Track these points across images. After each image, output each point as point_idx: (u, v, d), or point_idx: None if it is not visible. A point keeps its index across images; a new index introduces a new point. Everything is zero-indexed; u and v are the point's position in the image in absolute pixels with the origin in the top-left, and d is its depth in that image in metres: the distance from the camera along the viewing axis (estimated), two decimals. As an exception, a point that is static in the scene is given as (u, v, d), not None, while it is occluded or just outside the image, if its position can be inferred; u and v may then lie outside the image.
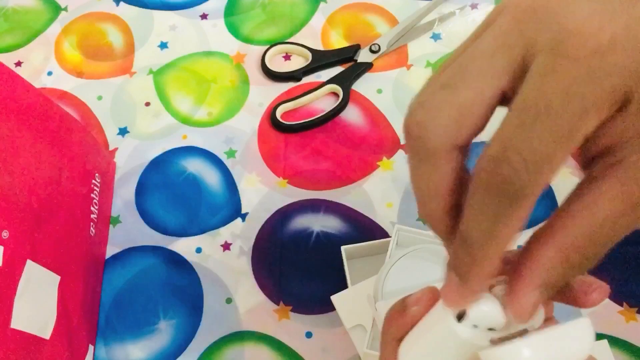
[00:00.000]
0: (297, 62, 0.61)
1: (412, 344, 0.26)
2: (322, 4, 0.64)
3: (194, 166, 0.55)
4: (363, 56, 0.60)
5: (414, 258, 0.42)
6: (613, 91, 0.18)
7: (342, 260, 0.46)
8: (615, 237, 0.21)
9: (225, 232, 0.52)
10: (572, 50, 0.18)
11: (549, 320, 0.26)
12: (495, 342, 0.23)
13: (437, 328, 0.24)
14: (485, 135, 0.22)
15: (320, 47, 0.61)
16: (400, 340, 0.27)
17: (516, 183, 0.19)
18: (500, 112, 0.21)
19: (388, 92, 0.58)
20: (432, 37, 0.61)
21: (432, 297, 0.26)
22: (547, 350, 0.21)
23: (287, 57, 0.61)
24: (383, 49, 0.60)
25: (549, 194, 0.51)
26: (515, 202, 0.19)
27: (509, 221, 0.20)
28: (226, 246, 0.51)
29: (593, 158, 0.21)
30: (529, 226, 0.47)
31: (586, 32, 0.18)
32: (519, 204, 0.19)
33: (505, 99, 0.21)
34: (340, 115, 0.57)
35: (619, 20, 0.18)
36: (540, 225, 0.23)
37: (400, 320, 0.27)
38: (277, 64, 0.61)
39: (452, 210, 0.23)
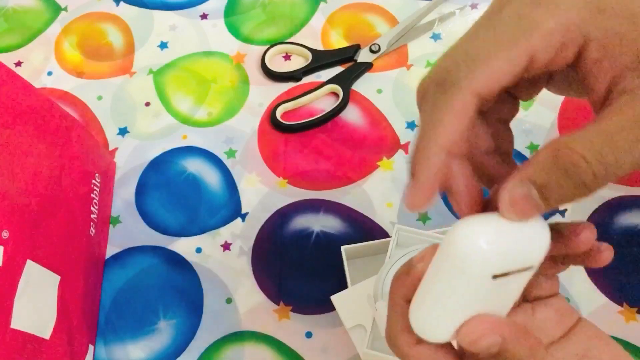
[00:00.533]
0: (297, 62, 0.61)
1: (422, 299, 0.25)
2: (322, 4, 0.64)
3: (194, 166, 0.55)
4: (363, 56, 0.60)
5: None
6: None
7: (342, 260, 0.46)
8: (608, 152, 0.21)
9: (225, 232, 0.52)
10: None
11: (554, 297, 0.28)
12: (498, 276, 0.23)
13: (443, 273, 0.24)
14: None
15: (320, 47, 0.61)
16: (409, 301, 0.26)
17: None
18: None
19: (388, 92, 0.58)
20: (432, 37, 0.61)
21: (435, 252, 0.25)
22: (506, 241, 0.23)
23: (287, 57, 0.61)
24: (383, 49, 0.60)
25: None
26: None
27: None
28: (226, 246, 0.51)
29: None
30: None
31: None
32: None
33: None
34: (340, 115, 0.57)
35: None
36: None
37: (408, 280, 0.26)
38: (277, 64, 0.61)
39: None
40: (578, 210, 0.50)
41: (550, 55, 0.22)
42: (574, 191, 0.22)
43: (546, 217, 0.47)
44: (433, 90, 0.24)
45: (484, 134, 0.26)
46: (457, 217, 0.44)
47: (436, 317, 0.25)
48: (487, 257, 0.22)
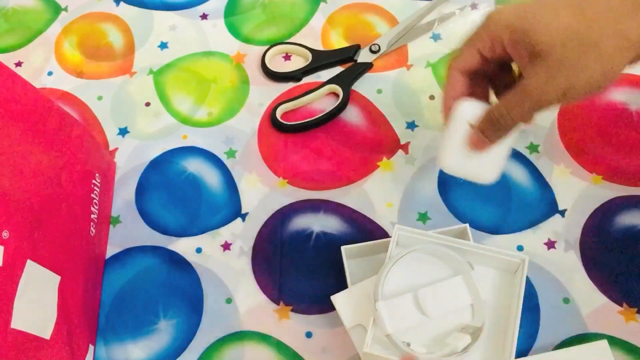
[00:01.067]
0: (297, 62, 0.61)
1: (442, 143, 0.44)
2: (322, 4, 0.64)
3: (194, 166, 0.55)
4: (363, 56, 0.60)
5: (413, 258, 0.42)
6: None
7: (342, 260, 0.46)
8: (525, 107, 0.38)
9: (225, 232, 0.52)
10: None
11: None
12: None
13: (450, 121, 0.44)
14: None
15: (320, 47, 0.61)
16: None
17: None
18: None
19: (388, 92, 0.58)
20: (432, 37, 0.61)
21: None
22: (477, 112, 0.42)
23: (287, 57, 0.61)
24: (383, 49, 0.60)
25: (549, 195, 0.51)
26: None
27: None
28: (226, 246, 0.51)
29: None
30: (529, 226, 0.48)
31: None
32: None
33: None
34: (340, 115, 0.57)
35: None
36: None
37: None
38: (277, 64, 0.61)
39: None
40: (578, 211, 0.50)
41: (487, 49, 0.40)
42: (497, 132, 0.40)
43: (547, 217, 0.47)
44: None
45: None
46: (455, 215, 0.46)
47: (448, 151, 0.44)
48: (467, 110, 0.42)
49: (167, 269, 0.51)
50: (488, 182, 0.44)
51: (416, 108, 0.57)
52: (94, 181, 0.50)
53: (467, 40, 0.41)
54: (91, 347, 0.47)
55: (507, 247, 0.49)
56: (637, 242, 0.49)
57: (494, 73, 0.43)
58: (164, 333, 0.48)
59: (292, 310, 0.48)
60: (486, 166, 0.43)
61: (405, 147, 0.55)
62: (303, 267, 0.50)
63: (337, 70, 0.60)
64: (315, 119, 0.56)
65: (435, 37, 0.61)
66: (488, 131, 0.40)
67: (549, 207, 0.51)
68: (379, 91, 0.58)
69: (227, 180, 0.54)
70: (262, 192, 0.54)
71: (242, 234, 0.52)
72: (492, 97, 0.45)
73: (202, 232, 0.52)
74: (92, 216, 0.49)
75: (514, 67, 0.43)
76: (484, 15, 0.39)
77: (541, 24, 0.36)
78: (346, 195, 0.53)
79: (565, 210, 0.51)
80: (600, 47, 0.34)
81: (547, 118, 0.55)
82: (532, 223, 0.50)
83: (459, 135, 0.43)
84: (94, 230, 0.49)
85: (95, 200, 0.50)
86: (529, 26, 0.36)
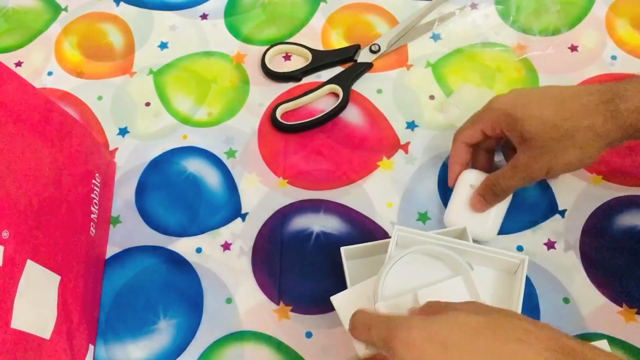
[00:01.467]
0: (297, 62, 0.61)
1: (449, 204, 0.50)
2: (322, 4, 0.64)
3: (194, 166, 0.55)
4: (363, 56, 0.60)
5: (412, 259, 0.42)
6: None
7: (342, 260, 0.46)
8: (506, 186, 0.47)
9: (225, 232, 0.52)
10: None
11: None
12: None
13: (457, 186, 0.51)
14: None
15: (320, 47, 0.61)
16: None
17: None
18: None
19: (388, 92, 0.58)
20: (432, 37, 0.61)
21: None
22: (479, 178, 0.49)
23: (287, 57, 0.61)
24: (383, 49, 0.60)
25: (549, 195, 0.51)
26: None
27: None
28: (226, 246, 0.51)
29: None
30: (529, 226, 0.48)
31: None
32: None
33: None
34: (340, 115, 0.57)
35: None
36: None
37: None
38: (277, 64, 0.61)
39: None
40: (578, 211, 0.50)
41: (493, 131, 0.48)
42: (494, 197, 0.48)
43: (547, 217, 0.47)
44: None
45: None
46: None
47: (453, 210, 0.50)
48: (470, 177, 0.50)
49: (167, 269, 0.51)
50: (487, 240, 0.49)
51: (416, 108, 0.57)
52: (94, 181, 0.50)
53: (473, 119, 0.49)
54: (91, 347, 0.47)
55: (507, 247, 0.49)
56: (637, 242, 0.49)
57: (498, 143, 0.51)
58: (164, 333, 0.48)
59: (292, 310, 0.48)
60: (486, 225, 0.49)
61: (405, 147, 0.55)
62: (303, 267, 0.50)
63: (337, 70, 0.60)
64: (315, 119, 0.56)
65: (435, 37, 0.61)
66: (486, 195, 0.48)
67: (549, 207, 0.51)
68: (379, 91, 0.58)
69: (227, 180, 0.54)
70: (262, 192, 0.54)
71: (242, 234, 0.52)
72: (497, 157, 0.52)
73: (202, 232, 0.52)
74: (92, 216, 0.49)
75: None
76: (489, 101, 0.48)
77: (529, 116, 0.44)
78: (346, 195, 0.53)
79: (565, 210, 0.51)
80: (574, 138, 0.43)
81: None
82: (532, 223, 0.50)
83: (462, 197, 0.50)
84: (94, 230, 0.49)
85: (95, 200, 0.50)
86: (520, 116, 0.44)
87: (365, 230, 0.51)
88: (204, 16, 0.64)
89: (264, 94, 0.59)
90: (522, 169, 0.45)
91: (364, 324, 0.36)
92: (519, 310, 0.41)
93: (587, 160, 0.43)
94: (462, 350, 0.31)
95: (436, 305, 0.37)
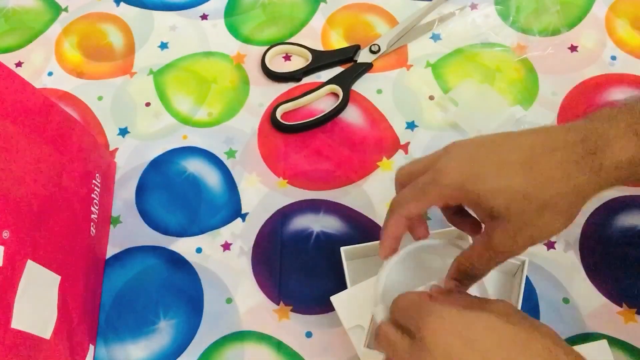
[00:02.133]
0: (297, 63, 0.61)
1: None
2: (322, 5, 0.64)
3: (194, 166, 0.55)
4: (363, 56, 0.60)
5: (410, 257, 0.42)
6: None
7: (342, 260, 0.46)
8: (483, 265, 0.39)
9: (225, 232, 0.52)
10: None
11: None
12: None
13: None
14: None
15: (320, 48, 0.61)
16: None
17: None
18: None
19: (388, 93, 0.58)
20: (431, 38, 0.61)
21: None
22: None
23: (287, 57, 0.61)
24: (383, 49, 0.60)
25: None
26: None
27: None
28: (226, 246, 0.51)
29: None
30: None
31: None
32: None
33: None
34: (340, 115, 0.57)
35: None
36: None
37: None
38: (277, 65, 0.61)
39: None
40: (578, 211, 0.50)
41: (444, 203, 0.38)
42: (471, 280, 0.40)
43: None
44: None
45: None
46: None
47: None
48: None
49: (167, 269, 0.51)
50: None
51: (416, 108, 0.57)
52: (94, 181, 0.50)
53: (416, 192, 0.39)
54: (91, 347, 0.47)
55: (507, 247, 0.49)
56: (637, 242, 0.49)
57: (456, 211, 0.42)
58: (164, 333, 0.48)
59: (292, 310, 0.48)
60: None
61: (405, 147, 0.55)
62: (303, 267, 0.50)
63: (337, 70, 0.60)
64: (315, 119, 0.56)
65: (435, 37, 0.61)
66: (463, 281, 0.40)
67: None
68: (379, 91, 0.58)
69: (227, 180, 0.55)
70: (262, 192, 0.54)
71: (242, 234, 0.52)
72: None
73: (202, 232, 0.52)
74: (93, 216, 0.49)
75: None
76: (430, 175, 0.38)
77: (492, 188, 0.35)
78: (346, 195, 0.53)
79: (565, 210, 0.51)
80: (557, 206, 0.35)
81: (547, 118, 0.55)
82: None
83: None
84: (94, 230, 0.49)
85: (95, 200, 0.50)
86: (481, 191, 0.36)
87: (365, 230, 0.51)
88: (204, 16, 0.64)
89: (264, 94, 0.59)
90: (500, 249, 0.37)
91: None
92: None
93: (571, 221, 0.37)
94: (484, 356, 0.31)
95: (467, 298, 0.37)
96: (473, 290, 0.41)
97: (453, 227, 0.47)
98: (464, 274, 0.39)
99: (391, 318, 0.37)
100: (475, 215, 0.40)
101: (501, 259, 0.38)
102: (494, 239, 0.37)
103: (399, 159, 0.54)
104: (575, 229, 0.50)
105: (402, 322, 0.35)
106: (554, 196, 0.35)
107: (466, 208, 0.40)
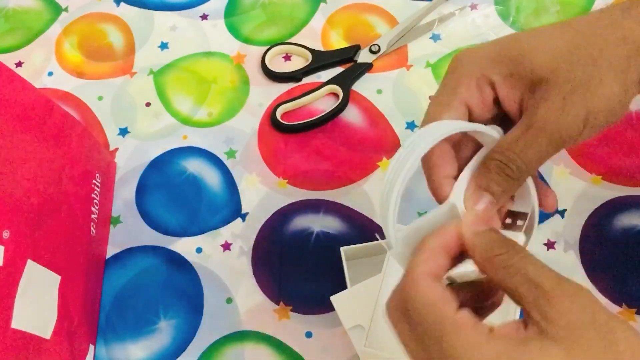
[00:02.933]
0: (297, 63, 0.61)
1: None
2: (322, 5, 0.64)
3: (194, 166, 0.55)
4: (363, 56, 0.60)
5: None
6: None
7: (342, 260, 0.46)
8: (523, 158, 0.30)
9: (225, 232, 0.52)
10: None
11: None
12: None
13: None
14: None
15: (320, 48, 0.61)
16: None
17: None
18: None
19: (388, 93, 0.58)
20: (431, 38, 0.61)
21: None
22: None
23: (287, 57, 0.61)
24: (383, 50, 0.60)
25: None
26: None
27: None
28: (226, 246, 0.51)
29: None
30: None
31: None
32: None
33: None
34: (340, 115, 0.57)
35: None
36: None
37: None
38: (277, 65, 0.61)
39: None
40: (577, 211, 0.50)
41: (476, 96, 0.32)
42: (509, 183, 0.31)
43: (546, 217, 0.47)
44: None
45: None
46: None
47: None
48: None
49: (167, 269, 0.51)
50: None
51: (416, 108, 0.57)
52: (94, 181, 0.50)
53: (442, 94, 0.33)
54: (91, 347, 0.47)
55: (507, 247, 0.49)
56: (636, 242, 0.49)
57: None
58: (164, 333, 0.48)
59: (292, 310, 0.48)
60: None
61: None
62: (303, 267, 0.50)
63: (337, 70, 0.60)
64: (315, 119, 0.56)
65: (435, 38, 0.61)
66: (497, 185, 0.30)
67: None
68: (379, 91, 0.58)
69: (227, 180, 0.55)
70: (262, 192, 0.54)
71: (242, 234, 0.52)
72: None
73: (202, 232, 0.52)
74: (93, 216, 0.49)
75: None
76: (453, 60, 0.33)
77: (536, 48, 0.30)
78: (346, 195, 0.53)
79: (564, 210, 0.51)
80: (610, 56, 0.29)
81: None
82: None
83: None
84: (94, 230, 0.49)
85: (95, 200, 0.50)
86: (522, 51, 0.30)
87: (365, 230, 0.51)
88: (204, 16, 0.64)
89: (264, 94, 0.59)
90: (548, 126, 0.29)
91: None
92: (518, 312, 0.41)
93: (631, 89, 0.29)
94: None
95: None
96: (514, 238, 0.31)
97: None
98: (500, 173, 0.30)
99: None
100: (512, 99, 0.32)
101: (549, 140, 0.29)
102: (539, 114, 0.29)
103: (399, 159, 0.54)
104: (575, 229, 0.50)
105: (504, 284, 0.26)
106: (606, 44, 0.29)
107: (501, 92, 0.32)
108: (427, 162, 0.33)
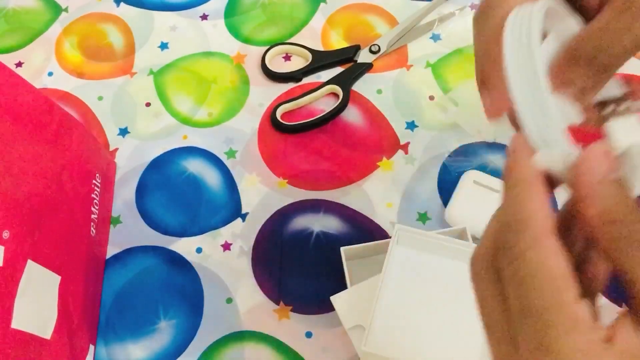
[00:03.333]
0: (297, 63, 0.61)
1: None
2: (322, 5, 0.64)
3: (194, 166, 0.55)
4: (363, 56, 0.60)
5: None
6: None
7: (342, 260, 0.46)
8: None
9: (225, 232, 0.52)
10: None
11: None
12: None
13: None
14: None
15: (320, 48, 0.61)
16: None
17: None
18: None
19: (388, 93, 0.58)
20: (431, 38, 0.61)
21: None
22: None
23: (287, 57, 0.61)
24: (383, 50, 0.60)
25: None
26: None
27: None
28: (226, 246, 0.51)
29: None
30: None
31: None
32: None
33: None
34: (340, 115, 0.57)
35: None
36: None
37: None
38: (277, 65, 0.61)
39: None
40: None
41: None
42: (589, 68, 0.25)
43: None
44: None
45: None
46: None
47: None
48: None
49: (167, 269, 0.51)
50: None
51: (416, 108, 0.57)
52: (94, 181, 0.50)
53: None
54: (91, 347, 0.47)
55: (507, 247, 0.49)
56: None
57: None
58: (164, 333, 0.48)
59: (292, 310, 0.48)
60: (486, 222, 0.40)
61: (405, 147, 0.55)
62: (303, 267, 0.50)
63: (337, 70, 0.60)
64: (315, 119, 0.56)
65: (435, 38, 0.61)
66: (573, 71, 0.25)
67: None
68: (379, 91, 0.58)
69: (227, 180, 0.55)
70: (262, 192, 0.54)
71: (242, 234, 0.52)
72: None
73: (202, 232, 0.52)
74: (93, 216, 0.49)
75: None
76: None
77: None
78: (346, 195, 0.53)
79: (565, 210, 0.51)
80: None
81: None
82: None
83: (464, 193, 0.48)
84: (94, 230, 0.49)
85: (95, 200, 0.50)
86: None
87: (365, 230, 0.51)
88: (204, 17, 0.64)
89: (264, 94, 0.59)
90: None
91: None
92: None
93: None
94: None
95: None
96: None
97: (453, 228, 0.47)
98: (590, 62, 0.25)
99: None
100: None
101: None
102: None
103: (399, 159, 0.54)
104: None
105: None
106: None
107: None
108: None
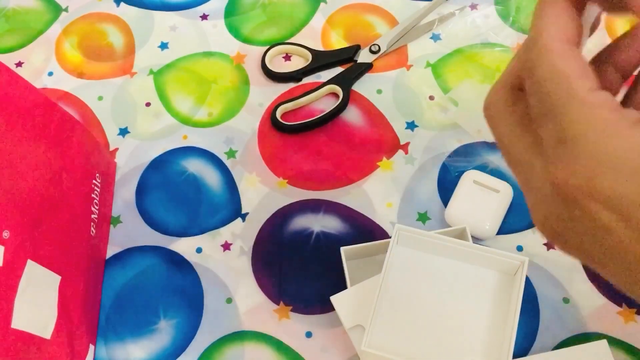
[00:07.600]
0: (297, 63, 0.61)
1: None
2: (322, 5, 0.64)
3: (194, 166, 0.55)
4: (363, 56, 0.60)
5: None
6: None
7: (342, 260, 0.46)
8: None
9: (225, 232, 0.52)
10: None
11: None
12: None
13: None
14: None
15: (320, 48, 0.61)
16: None
17: None
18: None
19: (388, 93, 0.58)
20: (431, 38, 0.61)
21: None
22: None
23: (287, 57, 0.61)
24: (383, 50, 0.60)
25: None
26: None
27: None
28: (226, 246, 0.51)
29: None
30: (529, 226, 0.47)
31: None
32: None
33: None
34: (340, 115, 0.57)
35: None
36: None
37: None
38: (277, 65, 0.61)
39: None
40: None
41: None
42: None
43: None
44: None
45: None
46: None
47: None
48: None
49: (167, 269, 0.51)
50: (487, 237, 0.49)
51: (416, 108, 0.57)
52: (94, 181, 0.50)
53: None
54: (91, 347, 0.47)
55: (507, 247, 0.49)
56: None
57: None
58: (164, 333, 0.48)
59: (292, 310, 0.48)
60: (486, 221, 0.48)
61: (405, 147, 0.55)
62: (303, 267, 0.50)
63: (337, 70, 0.60)
64: (315, 119, 0.56)
65: (435, 38, 0.61)
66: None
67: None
68: (379, 91, 0.58)
69: (227, 180, 0.55)
70: (262, 192, 0.54)
71: (242, 234, 0.52)
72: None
73: (202, 232, 0.52)
74: (93, 216, 0.49)
75: None
76: None
77: None
78: (346, 195, 0.53)
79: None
80: None
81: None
82: (532, 223, 0.50)
83: (464, 193, 0.49)
84: (94, 230, 0.49)
85: (95, 200, 0.50)
86: None
87: (365, 230, 0.51)
88: (204, 17, 0.64)
89: (264, 94, 0.59)
90: None
91: None
92: (517, 312, 0.41)
93: None
94: None
95: None
96: None
97: (453, 228, 0.47)
98: None
99: None
100: None
101: None
102: None
103: (399, 159, 0.54)
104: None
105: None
106: None
107: None
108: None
